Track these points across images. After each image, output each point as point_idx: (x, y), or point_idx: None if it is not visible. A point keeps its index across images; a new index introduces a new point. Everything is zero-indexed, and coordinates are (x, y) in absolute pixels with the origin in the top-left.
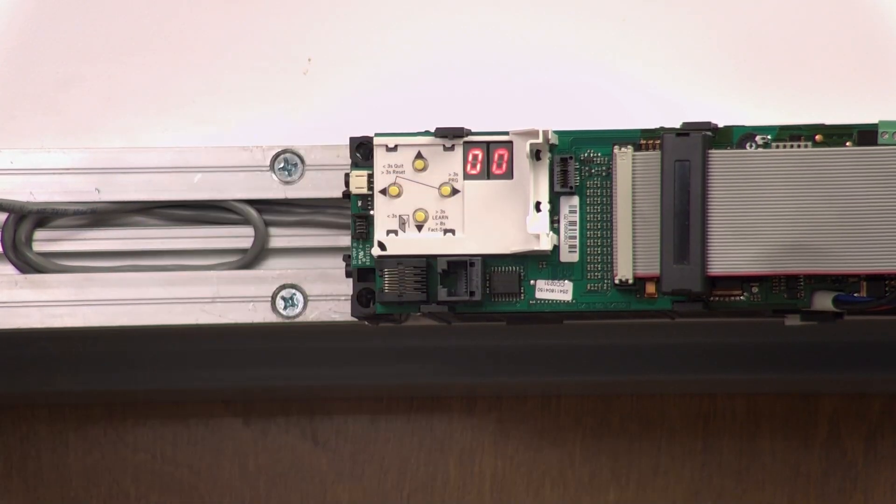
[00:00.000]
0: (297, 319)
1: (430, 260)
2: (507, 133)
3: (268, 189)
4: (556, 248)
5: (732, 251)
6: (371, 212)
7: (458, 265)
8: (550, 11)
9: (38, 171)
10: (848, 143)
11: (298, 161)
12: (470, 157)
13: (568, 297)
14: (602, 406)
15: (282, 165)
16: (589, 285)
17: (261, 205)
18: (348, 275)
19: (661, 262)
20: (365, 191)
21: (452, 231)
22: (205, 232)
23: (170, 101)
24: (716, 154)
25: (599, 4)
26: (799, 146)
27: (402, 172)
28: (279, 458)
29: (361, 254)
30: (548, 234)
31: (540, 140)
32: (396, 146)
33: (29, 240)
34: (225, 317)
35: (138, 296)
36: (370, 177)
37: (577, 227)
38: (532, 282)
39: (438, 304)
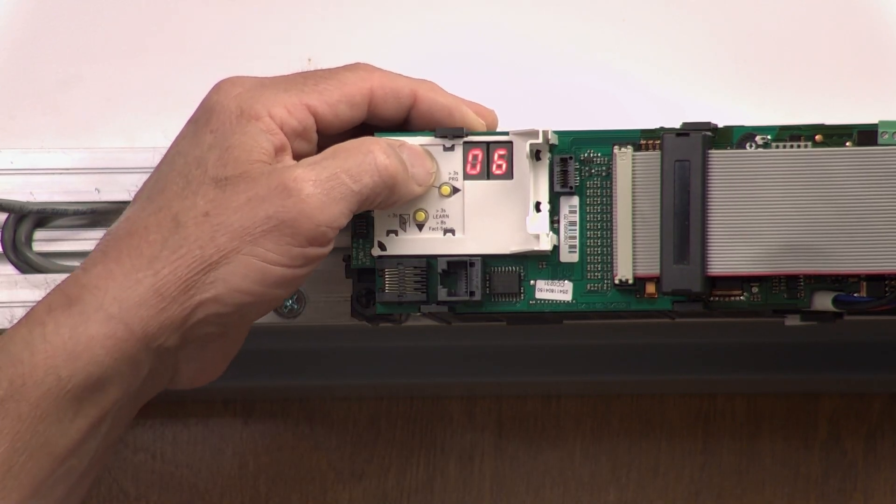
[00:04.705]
0: (297, 319)
1: (430, 260)
2: (507, 133)
3: None
4: (556, 248)
5: (732, 251)
6: (371, 212)
7: (458, 265)
8: (550, 11)
9: (38, 171)
10: (848, 143)
11: None
12: (470, 157)
13: (568, 297)
14: (602, 406)
15: None
16: (589, 285)
17: None
18: (348, 275)
19: (661, 262)
20: None
21: (452, 231)
22: None
23: (170, 101)
24: (716, 154)
25: (599, 4)
26: (799, 146)
27: None
28: (279, 458)
29: (361, 254)
30: (548, 235)
31: (540, 140)
32: None
33: (29, 240)
34: None
35: None
36: None
37: (577, 228)
38: (532, 282)
39: (438, 305)
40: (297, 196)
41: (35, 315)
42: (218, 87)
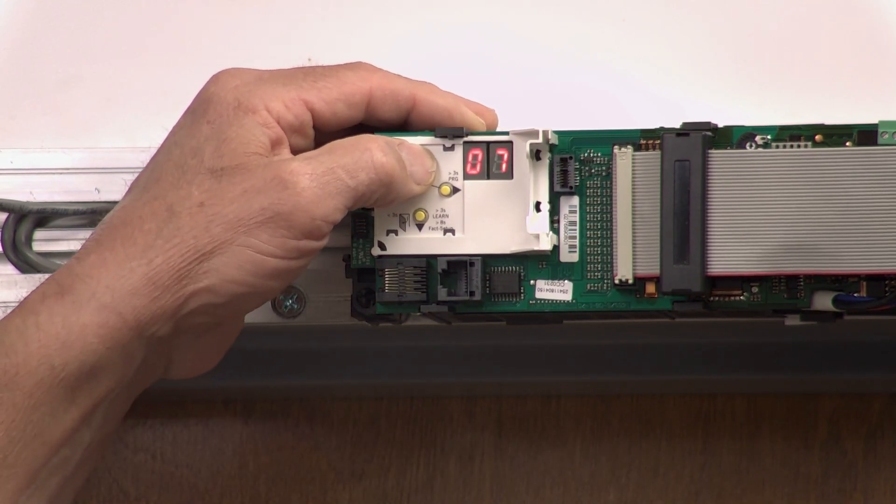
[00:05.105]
0: (297, 319)
1: (430, 260)
2: (507, 133)
3: None
4: (556, 248)
5: (732, 251)
6: (371, 211)
7: (458, 265)
8: (550, 11)
9: (38, 171)
10: (848, 143)
11: None
12: (470, 157)
13: (568, 297)
14: (602, 406)
15: None
16: (589, 285)
17: None
18: (348, 275)
19: (661, 262)
20: None
21: (452, 231)
22: None
23: (170, 101)
24: (716, 154)
25: (599, 4)
26: (799, 146)
27: None
28: (279, 458)
29: (361, 254)
30: (548, 234)
31: (540, 140)
32: None
33: (29, 240)
34: None
35: None
36: None
37: (577, 227)
38: (532, 282)
39: (438, 304)
40: (292, 189)
41: (29, 304)
42: (216, 79)
